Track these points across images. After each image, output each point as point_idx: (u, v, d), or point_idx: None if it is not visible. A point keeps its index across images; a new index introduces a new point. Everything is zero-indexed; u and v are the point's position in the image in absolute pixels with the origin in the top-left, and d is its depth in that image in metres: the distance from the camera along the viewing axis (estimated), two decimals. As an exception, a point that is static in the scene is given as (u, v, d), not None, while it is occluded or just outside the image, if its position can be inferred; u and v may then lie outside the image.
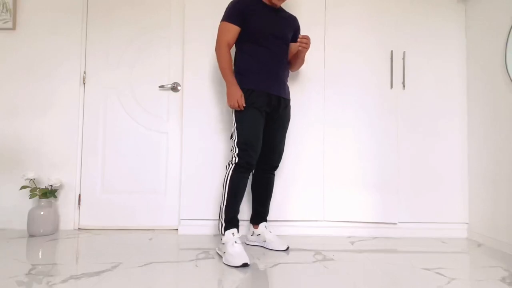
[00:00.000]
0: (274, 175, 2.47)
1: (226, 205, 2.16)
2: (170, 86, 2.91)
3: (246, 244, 2.44)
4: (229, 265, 2.02)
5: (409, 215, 2.73)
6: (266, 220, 2.47)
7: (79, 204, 2.92)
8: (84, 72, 2.93)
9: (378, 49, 2.76)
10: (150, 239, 2.61)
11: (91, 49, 2.94)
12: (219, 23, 2.29)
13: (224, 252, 2.10)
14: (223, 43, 2.21)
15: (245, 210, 2.65)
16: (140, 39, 2.95)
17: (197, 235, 2.71)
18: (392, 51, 2.73)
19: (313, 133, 2.75)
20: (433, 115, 2.79)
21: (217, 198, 2.75)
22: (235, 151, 2.20)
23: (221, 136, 2.77)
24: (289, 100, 2.41)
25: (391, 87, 2.74)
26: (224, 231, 2.14)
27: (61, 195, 2.89)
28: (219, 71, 2.74)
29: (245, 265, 1.99)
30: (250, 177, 2.43)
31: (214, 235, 2.72)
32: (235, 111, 2.23)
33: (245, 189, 2.20)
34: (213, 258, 2.18)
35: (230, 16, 2.23)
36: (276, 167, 2.44)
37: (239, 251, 2.05)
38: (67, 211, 2.89)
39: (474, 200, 2.71)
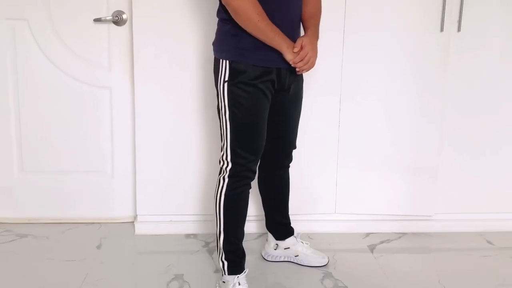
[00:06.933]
0: (289, 167, 2.04)
1: (224, 238, 1.78)
2: (110, 18, 2.19)
3: (265, 260, 2.06)
4: None
5: (448, 206, 2.35)
6: (293, 231, 2.10)
7: (-11, 189, 2.34)
8: (-26, -5, 2.16)
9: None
10: (98, 246, 2.14)
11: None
12: None
13: None
14: None
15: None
16: None
17: (161, 235, 2.26)
18: (447, -26, 2.09)
19: (325, 98, 2.24)
20: (497, 73, 2.24)
21: (192, 184, 2.30)
22: (227, 156, 1.72)
23: (198, 93, 2.22)
24: None
25: (442, 29, 2.11)
26: (227, 272, 1.82)
27: (-39, 177, 2.35)
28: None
29: None
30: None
31: (186, 235, 2.26)
32: (228, 94, 1.68)
33: (247, 206, 1.81)
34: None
35: None
36: (290, 160, 2.03)
37: None
38: (-27, 199, 2.33)
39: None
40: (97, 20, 2.20)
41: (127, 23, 2.21)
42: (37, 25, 2.23)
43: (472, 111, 2.29)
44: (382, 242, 2.21)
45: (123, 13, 2.19)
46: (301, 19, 1.83)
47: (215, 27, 1.73)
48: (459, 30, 2.18)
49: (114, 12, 2.19)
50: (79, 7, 2.22)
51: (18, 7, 2.21)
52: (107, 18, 2.20)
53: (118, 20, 2.19)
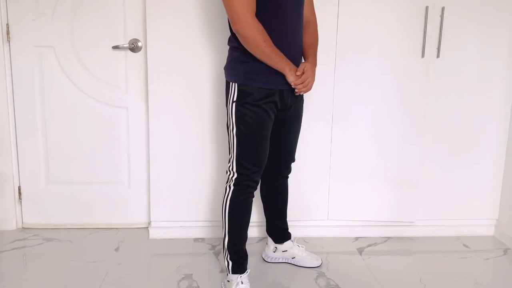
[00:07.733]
0: (288, 178, 2.08)
1: (228, 240, 1.82)
2: (127, 45, 2.25)
3: (265, 262, 2.12)
4: None
5: (428, 213, 2.39)
6: (291, 236, 2.13)
7: (19, 198, 2.40)
8: (7, 25, 2.22)
9: (409, 4, 2.15)
10: (116, 249, 2.22)
11: (13, -7, 2.21)
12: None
13: None
14: (247, 11, 1.59)
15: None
16: (82, -22, 2.21)
17: (172, 239, 2.32)
18: (427, 7, 2.12)
19: (319, 115, 2.27)
20: (472, 95, 2.28)
21: (200, 193, 2.34)
22: (233, 167, 1.78)
23: (207, 111, 2.26)
24: None
25: (423, 55, 2.17)
26: (231, 271, 1.84)
27: (-4, 187, 2.38)
28: (202, 16, 2.16)
29: None
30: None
31: (194, 239, 2.33)
32: (236, 112, 1.73)
33: (250, 212, 1.85)
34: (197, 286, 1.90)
35: None
36: (289, 172, 2.07)
37: None
38: (5, 207, 2.39)
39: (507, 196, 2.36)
40: (115, 47, 2.26)
41: (142, 50, 2.27)
42: (62, 52, 2.27)
43: (450, 130, 2.31)
44: (369, 246, 2.27)
45: (139, 41, 2.25)
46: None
47: (226, 53, 1.80)
48: (438, 56, 2.22)
49: (130, 40, 2.26)
50: (99, 36, 2.26)
51: (45, 35, 2.26)
52: (124, 45, 2.26)
53: (134, 47, 2.26)
